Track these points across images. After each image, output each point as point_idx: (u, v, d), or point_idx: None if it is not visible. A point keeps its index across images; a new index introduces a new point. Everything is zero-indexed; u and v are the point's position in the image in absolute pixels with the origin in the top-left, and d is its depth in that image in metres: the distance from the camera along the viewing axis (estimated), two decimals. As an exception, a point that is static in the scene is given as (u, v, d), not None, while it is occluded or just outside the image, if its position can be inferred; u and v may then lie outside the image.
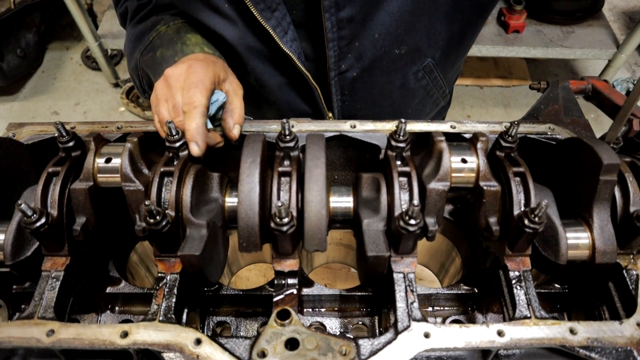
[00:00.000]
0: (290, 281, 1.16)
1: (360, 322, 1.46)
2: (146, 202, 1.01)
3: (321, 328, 1.44)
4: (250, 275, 2.10)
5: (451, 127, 1.48)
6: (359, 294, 1.45)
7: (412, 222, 1.09)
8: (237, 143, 1.43)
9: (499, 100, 4.29)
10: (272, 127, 1.43)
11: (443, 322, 1.49)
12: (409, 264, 1.20)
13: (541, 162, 1.45)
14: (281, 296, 1.14)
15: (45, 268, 1.15)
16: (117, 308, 1.43)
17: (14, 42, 4.17)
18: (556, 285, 1.43)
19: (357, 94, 1.65)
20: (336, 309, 1.46)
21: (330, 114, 1.69)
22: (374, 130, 1.45)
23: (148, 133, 1.29)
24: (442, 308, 1.51)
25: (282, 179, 1.16)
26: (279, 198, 1.13)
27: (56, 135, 1.21)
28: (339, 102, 1.64)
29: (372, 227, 1.19)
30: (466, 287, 1.48)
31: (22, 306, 1.42)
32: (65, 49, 4.72)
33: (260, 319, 1.43)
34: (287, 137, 1.20)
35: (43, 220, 1.07)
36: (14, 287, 1.36)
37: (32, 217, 1.05)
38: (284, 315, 1.09)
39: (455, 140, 1.39)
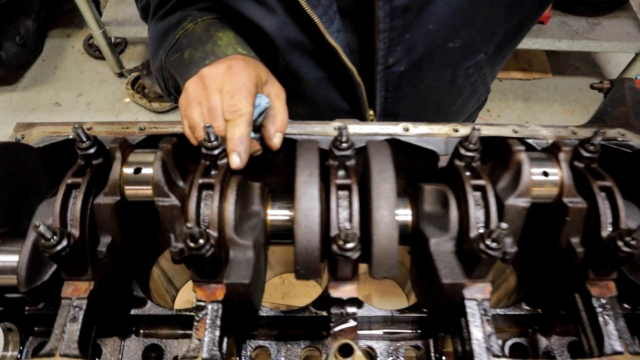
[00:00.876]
0: (350, 310, 1.01)
1: (411, 346, 1.32)
2: (188, 225, 0.85)
3: (371, 353, 1.30)
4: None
5: (513, 131, 1.33)
6: (412, 315, 1.30)
7: (495, 245, 0.94)
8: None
9: (519, 94, 4.13)
10: (314, 130, 1.27)
11: (502, 345, 1.35)
12: (482, 289, 1.05)
13: (612, 171, 1.30)
14: (341, 327, 0.99)
15: (65, 295, 0.99)
16: (142, 331, 1.28)
17: (13, 30, 3.96)
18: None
19: (402, 91, 1.49)
20: (386, 331, 1.31)
21: (372, 112, 1.54)
22: (429, 134, 1.30)
23: (180, 137, 1.12)
24: (498, 330, 1.37)
25: (340, 192, 1.01)
26: (338, 215, 0.98)
27: (75, 139, 1.04)
28: (382, 99, 1.49)
29: (441, 248, 1.03)
30: (528, 308, 1.33)
31: (36, 328, 1.27)
32: (67, 36, 4.51)
33: (303, 343, 1.28)
34: (344, 144, 1.04)
35: (64, 243, 0.91)
36: (27, 308, 1.21)
37: (52, 240, 0.89)
38: (346, 351, 0.94)
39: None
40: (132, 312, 1.24)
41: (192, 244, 0.88)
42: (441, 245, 1.05)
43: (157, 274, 1.48)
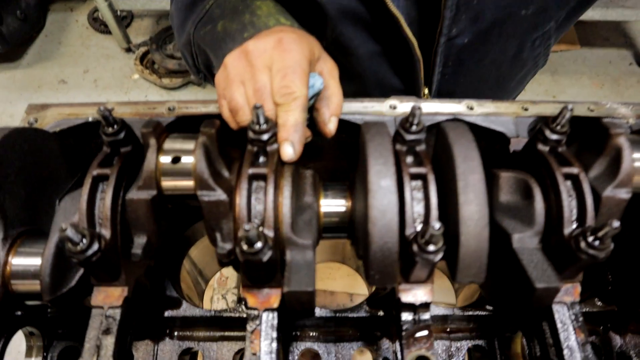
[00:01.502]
0: (424, 316, 0.88)
1: (472, 345, 1.19)
2: (245, 227, 0.71)
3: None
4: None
5: (588, 109, 1.17)
6: (473, 313, 1.18)
7: (598, 245, 0.80)
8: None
9: (546, 67, 3.88)
10: (367, 109, 1.12)
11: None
12: (570, 290, 0.92)
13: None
14: (415, 336, 0.86)
15: (96, 303, 0.86)
16: (176, 333, 1.16)
17: (13, 4, 3.75)
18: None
19: (462, 66, 1.33)
20: (446, 329, 1.19)
21: (426, 91, 1.38)
22: (495, 113, 1.14)
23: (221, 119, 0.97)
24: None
25: (413, 183, 0.86)
26: (413, 210, 0.84)
27: (97, 123, 0.89)
28: (439, 75, 1.33)
29: (526, 245, 0.90)
30: (601, 304, 1.21)
31: (60, 331, 1.15)
32: (70, 10, 4.29)
33: (357, 345, 1.16)
34: (415, 126, 0.89)
35: (95, 247, 0.77)
36: (49, 310, 1.09)
37: (81, 245, 0.75)
38: (422, 366, 0.82)
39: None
40: (166, 313, 1.12)
41: (248, 249, 0.74)
42: (525, 242, 0.91)
43: (188, 266, 1.36)
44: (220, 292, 2.38)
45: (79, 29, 4.17)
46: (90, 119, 1.11)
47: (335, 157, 1.19)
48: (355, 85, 1.42)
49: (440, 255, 0.79)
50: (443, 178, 0.86)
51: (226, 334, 1.16)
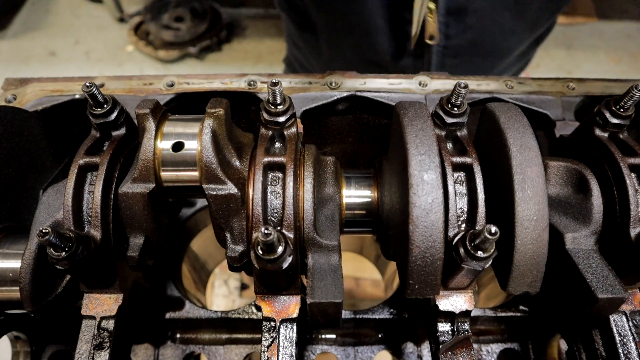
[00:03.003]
0: (464, 326, 0.77)
1: (504, 348, 1.09)
2: (264, 231, 0.59)
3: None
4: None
5: (636, 88, 1.03)
6: (506, 314, 1.07)
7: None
8: (343, 108, 0.99)
9: (560, 41, 3.75)
10: (398, 85, 0.98)
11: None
12: (629, 298, 0.81)
13: None
14: (451, 345, 0.75)
15: (87, 313, 0.74)
16: (178, 336, 1.05)
17: (-3, -32, 3.54)
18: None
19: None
20: (475, 332, 1.09)
21: (432, 5, 1.22)
22: (537, 91, 1.01)
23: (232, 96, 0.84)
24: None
25: (456, 174, 0.74)
26: (457, 207, 0.71)
27: (83, 100, 0.76)
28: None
29: (581, 246, 0.78)
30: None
31: (48, 334, 1.04)
32: (57, -24, 4.06)
33: (378, 348, 1.05)
34: (456, 108, 0.76)
35: (83, 252, 0.65)
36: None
37: (65, 251, 0.63)
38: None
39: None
40: (168, 315, 1.00)
41: (266, 255, 0.62)
42: (580, 242, 0.79)
43: (189, 260, 1.24)
44: (222, 277, 2.27)
45: (68, -3, 3.95)
46: (77, 96, 0.98)
47: (356, 139, 1.06)
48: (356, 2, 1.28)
49: (489, 263, 0.68)
50: (490, 169, 0.73)
51: (234, 336, 1.05)
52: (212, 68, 3.51)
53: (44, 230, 0.60)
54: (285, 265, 0.64)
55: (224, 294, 2.26)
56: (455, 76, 1.01)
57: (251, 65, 3.51)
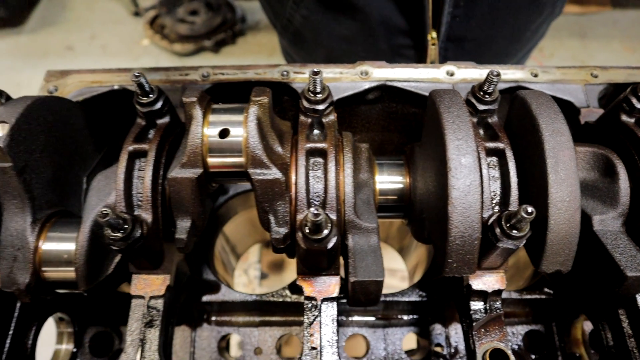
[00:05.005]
0: (495, 303, 0.80)
1: (528, 330, 1.12)
2: (315, 211, 0.62)
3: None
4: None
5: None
6: (531, 297, 1.09)
7: None
8: (372, 97, 1.02)
9: (574, 30, 3.73)
10: (425, 74, 1.00)
11: None
12: (657, 279, 0.83)
13: None
14: (484, 322, 0.78)
15: (137, 293, 0.78)
16: (213, 318, 1.09)
17: (14, -36, 3.58)
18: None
19: (474, 8, 1.25)
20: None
21: (434, 34, 1.27)
22: (562, 80, 1.03)
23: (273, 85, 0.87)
24: None
25: (489, 159, 0.77)
26: (490, 189, 0.74)
27: (135, 92, 0.79)
28: (449, 16, 1.24)
29: (608, 228, 0.81)
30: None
31: (90, 316, 1.09)
32: (72, -29, 4.10)
33: (407, 330, 1.08)
34: (488, 96, 0.79)
35: (138, 233, 0.69)
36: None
37: (121, 232, 0.67)
38: (498, 357, 0.74)
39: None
40: (204, 298, 1.04)
41: (314, 235, 0.65)
42: (607, 224, 0.82)
43: (220, 244, 1.28)
44: (242, 266, 2.32)
45: (83, -8, 3.99)
46: (115, 87, 1.01)
47: (384, 128, 1.08)
48: (356, 24, 1.30)
49: (523, 242, 0.70)
50: (521, 154, 0.76)
51: (266, 319, 1.09)
52: (227, 61, 3.54)
53: (104, 212, 0.64)
54: (330, 245, 0.67)
55: (244, 283, 2.30)
56: (482, 65, 1.03)
57: (265, 58, 3.54)
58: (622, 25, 3.77)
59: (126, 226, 0.68)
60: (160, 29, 3.56)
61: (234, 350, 1.21)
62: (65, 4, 3.93)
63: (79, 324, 1.06)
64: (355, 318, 1.09)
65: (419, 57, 1.36)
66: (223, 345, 1.10)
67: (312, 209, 0.62)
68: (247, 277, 2.32)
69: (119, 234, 0.67)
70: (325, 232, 0.65)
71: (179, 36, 3.46)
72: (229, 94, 1.01)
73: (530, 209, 0.64)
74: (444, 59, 1.35)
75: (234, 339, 1.11)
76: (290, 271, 2.38)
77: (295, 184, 0.73)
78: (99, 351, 1.08)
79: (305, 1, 1.28)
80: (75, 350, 1.05)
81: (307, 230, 0.66)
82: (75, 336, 1.05)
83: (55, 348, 1.06)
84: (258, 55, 3.56)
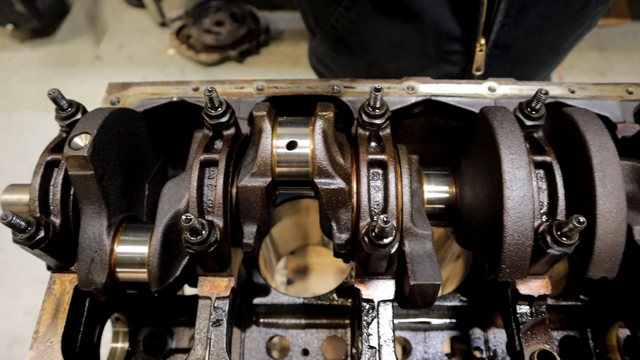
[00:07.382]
0: (541, 307, 0.84)
1: (564, 335, 1.15)
2: (383, 217, 0.67)
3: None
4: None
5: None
6: (567, 303, 1.13)
7: None
8: (417, 111, 1.07)
9: (593, 42, 3.76)
10: (468, 90, 1.05)
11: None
12: (696, 286, 0.87)
13: None
14: (531, 325, 0.82)
15: (203, 294, 0.83)
16: (261, 320, 1.14)
17: (46, -23, 3.70)
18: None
19: (524, 17, 1.30)
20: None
21: (483, 41, 1.34)
22: (599, 96, 1.07)
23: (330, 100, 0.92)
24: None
25: (537, 171, 0.81)
26: (539, 200, 0.79)
27: (205, 105, 0.85)
28: (499, 25, 1.30)
29: (652, 239, 0.84)
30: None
31: (144, 316, 1.14)
32: (101, -17, 4.23)
33: (447, 333, 1.13)
34: (535, 112, 0.83)
35: (214, 237, 0.74)
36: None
37: (201, 236, 0.72)
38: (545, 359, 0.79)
39: None
40: (255, 300, 1.09)
41: (380, 241, 0.70)
42: (651, 235, 0.86)
43: (264, 246, 1.34)
44: (268, 272, 2.37)
45: (111, 3, 4.11)
46: (174, 99, 1.07)
47: (425, 140, 1.13)
48: (409, 30, 1.35)
49: (572, 249, 0.75)
50: (566, 167, 0.81)
51: (312, 321, 1.14)
52: (251, 71, 3.62)
53: (188, 217, 0.69)
54: (393, 250, 0.72)
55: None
56: (521, 82, 1.08)
57: (289, 68, 3.61)
58: (642, 37, 3.79)
59: (204, 231, 0.73)
60: (186, 39, 3.66)
61: (281, 352, 1.26)
62: (94, 15, 4.04)
63: (133, 324, 1.12)
64: (397, 321, 1.13)
65: (465, 63, 1.40)
66: (270, 346, 1.15)
67: (382, 216, 0.67)
68: (274, 283, 2.37)
69: (197, 238, 0.73)
70: (390, 238, 0.70)
71: (205, 46, 3.55)
72: (279, 108, 1.07)
73: (582, 219, 0.68)
74: (488, 65, 1.40)
75: (282, 341, 1.16)
76: (315, 278, 2.42)
77: (358, 193, 0.78)
78: (153, 350, 1.13)
79: (357, 6, 1.32)
80: (130, 349, 1.11)
81: (374, 235, 0.71)
82: (130, 335, 1.11)
83: (112, 346, 1.12)
84: (281, 65, 3.64)
